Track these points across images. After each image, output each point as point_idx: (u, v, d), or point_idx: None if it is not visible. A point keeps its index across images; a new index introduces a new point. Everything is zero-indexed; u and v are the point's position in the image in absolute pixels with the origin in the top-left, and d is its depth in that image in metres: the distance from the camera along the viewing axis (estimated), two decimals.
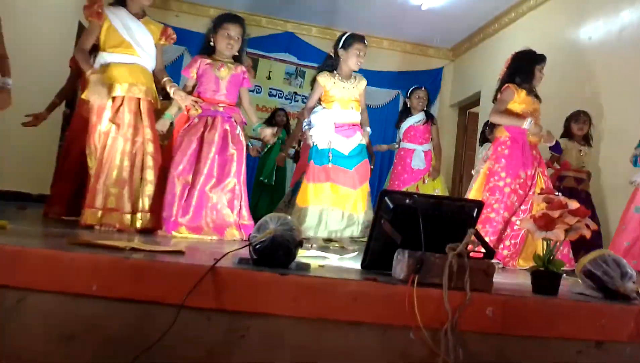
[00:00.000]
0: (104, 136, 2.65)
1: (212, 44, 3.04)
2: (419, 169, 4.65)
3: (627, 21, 4.14)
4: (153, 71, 2.90)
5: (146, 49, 2.80)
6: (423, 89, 4.79)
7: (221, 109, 3.00)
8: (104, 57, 2.73)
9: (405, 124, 4.74)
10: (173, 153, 2.93)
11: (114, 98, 2.68)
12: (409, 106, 4.76)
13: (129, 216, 2.62)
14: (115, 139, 2.64)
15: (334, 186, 3.30)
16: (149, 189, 2.69)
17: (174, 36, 2.97)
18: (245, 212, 2.97)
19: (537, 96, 3.41)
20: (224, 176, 2.92)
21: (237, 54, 3.09)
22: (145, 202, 2.67)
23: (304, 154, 4.26)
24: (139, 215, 2.64)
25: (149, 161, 2.72)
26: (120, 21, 2.74)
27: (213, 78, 2.99)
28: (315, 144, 3.38)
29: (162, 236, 2.65)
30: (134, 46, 2.75)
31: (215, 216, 2.87)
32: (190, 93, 3.01)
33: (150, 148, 2.73)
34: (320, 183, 3.30)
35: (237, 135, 3.02)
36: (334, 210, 3.26)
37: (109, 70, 2.69)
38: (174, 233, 2.73)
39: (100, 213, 2.56)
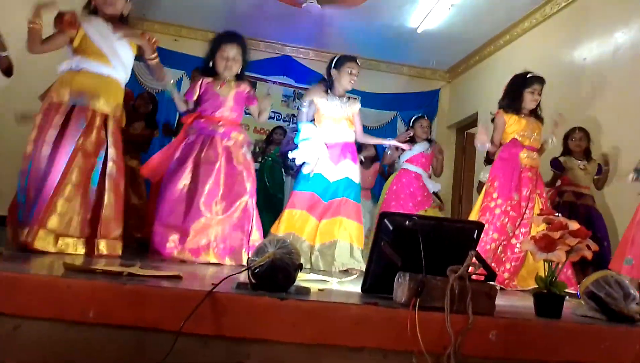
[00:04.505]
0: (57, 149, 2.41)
1: (211, 65, 3.02)
2: (433, 192, 4.71)
3: (621, 42, 4.19)
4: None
5: (123, 59, 2.62)
6: (425, 118, 4.84)
7: (221, 129, 2.91)
8: (77, 61, 2.54)
9: (416, 150, 4.66)
10: (166, 173, 2.87)
11: (73, 107, 2.47)
12: (412, 134, 4.67)
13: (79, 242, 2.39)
14: (75, 153, 2.41)
15: (305, 215, 3.26)
16: (106, 213, 2.46)
17: (155, 40, 2.71)
18: (258, 234, 2.86)
19: (537, 116, 3.45)
20: (232, 197, 2.82)
21: (238, 73, 3.04)
22: (101, 227, 2.44)
23: None
24: (101, 242, 2.43)
25: (109, 184, 2.48)
26: (96, 30, 2.56)
27: (214, 95, 2.95)
28: (301, 170, 3.34)
29: (160, 260, 2.59)
30: (109, 57, 2.57)
31: (223, 239, 2.77)
32: (191, 112, 2.99)
33: (112, 169, 2.51)
34: (295, 210, 3.26)
35: (243, 154, 2.94)
36: (299, 239, 3.20)
37: (79, 76, 2.52)
38: (175, 253, 2.67)
39: (53, 237, 2.29)
